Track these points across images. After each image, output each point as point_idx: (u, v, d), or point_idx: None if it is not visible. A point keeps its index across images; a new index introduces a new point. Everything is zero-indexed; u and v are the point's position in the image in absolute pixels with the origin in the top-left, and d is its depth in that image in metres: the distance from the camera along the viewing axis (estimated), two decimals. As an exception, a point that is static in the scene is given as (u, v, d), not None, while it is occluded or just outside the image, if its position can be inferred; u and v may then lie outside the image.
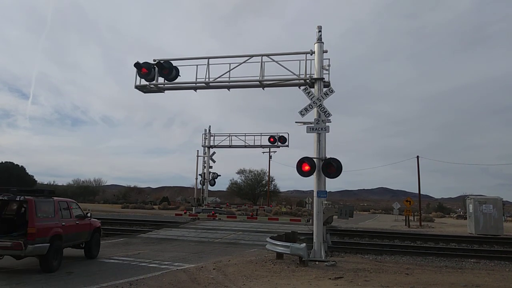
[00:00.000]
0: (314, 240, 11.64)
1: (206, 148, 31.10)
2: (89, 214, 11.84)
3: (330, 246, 13.66)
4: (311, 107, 11.96)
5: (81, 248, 11.44)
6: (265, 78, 13.38)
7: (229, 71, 13.65)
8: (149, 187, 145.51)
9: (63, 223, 9.97)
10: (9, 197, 9.40)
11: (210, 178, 31.52)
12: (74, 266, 10.04)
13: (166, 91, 15.03)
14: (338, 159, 11.65)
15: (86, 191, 75.09)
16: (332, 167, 11.59)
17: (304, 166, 11.62)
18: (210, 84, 13.95)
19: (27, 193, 9.61)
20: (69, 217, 10.53)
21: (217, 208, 33.53)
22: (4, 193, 9.44)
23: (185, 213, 29.86)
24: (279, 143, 29.94)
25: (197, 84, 14.16)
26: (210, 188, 32.61)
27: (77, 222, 10.83)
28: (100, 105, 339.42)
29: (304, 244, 10.79)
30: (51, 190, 11.00)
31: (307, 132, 11.90)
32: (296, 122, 12.21)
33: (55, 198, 10.40)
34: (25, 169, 60.37)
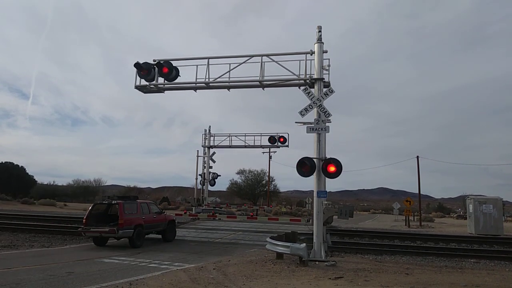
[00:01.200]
0: (314, 240, 11.64)
1: (206, 148, 31.10)
2: (164, 211, 18.01)
3: (330, 246, 13.66)
4: (311, 107, 11.96)
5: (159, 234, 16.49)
6: (265, 78, 13.38)
7: (229, 71, 13.66)
8: (149, 187, 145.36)
9: (143, 217, 15.01)
10: (108, 201, 15.01)
11: (210, 178, 31.51)
12: (75, 266, 10.05)
13: (166, 91, 15.04)
14: (338, 159, 11.66)
15: (86, 191, 74.92)
16: (332, 167, 11.59)
17: (304, 166, 11.62)
18: (210, 84, 13.96)
19: (119, 199, 14.86)
20: (148, 213, 15.61)
21: (217, 208, 33.50)
22: (107, 199, 15.13)
23: (185, 213, 29.80)
24: (279, 143, 29.95)
25: (197, 84, 14.16)
26: (210, 188, 32.62)
27: (154, 216, 15.87)
28: (100, 105, 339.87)
29: (304, 244, 10.79)
30: (135, 196, 17.00)
31: (307, 132, 11.90)
32: (296, 122, 12.22)
33: (138, 200, 15.97)
34: (25, 169, 60.33)
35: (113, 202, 14.72)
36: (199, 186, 32.02)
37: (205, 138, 31.14)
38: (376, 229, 24.06)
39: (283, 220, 23.39)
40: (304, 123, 12.06)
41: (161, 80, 14.39)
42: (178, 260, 11.37)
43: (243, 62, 13.66)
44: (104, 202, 15.23)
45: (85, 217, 14.45)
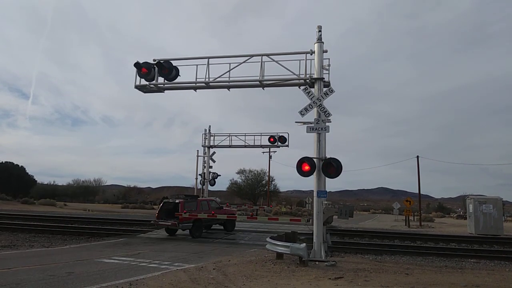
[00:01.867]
0: (314, 240, 11.64)
1: (206, 148, 31.06)
2: (224, 207, 22.72)
3: (330, 246, 13.65)
4: (311, 107, 11.95)
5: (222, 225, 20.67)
6: (265, 78, 13.37)
7: (229, 71, 13.65)
8: (149, 187, 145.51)
9: (202, 212, 18.08)
10: (173, 200, 18.46)
11: (210, 178, 31.44)
12: (75, 266, 10.05)
13: (166, 91, 15.03)
14: (338, 159, 11.65)
15: (86, 191, 74.97)
16: (332, 167, 11.58)
17: (304, 166, 11.61)
18: (210, 84, 13.95)
19: (182, 198, 18.30)
20: (208, 209, 18.97)
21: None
22: (173, 198, 18.73)
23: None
24: (279, 143, 29.89)
25: (197, 84, 14.15)
26: (210, 188, 32.51)
27: (212, 211, 18.58)
28: (100, 105, 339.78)
29: (304, 244, 10.78)
30: (196, 195, 21.93)
31: (307, 132, 11.89)
32: (296, 122, 12.21)
33: (199, 199, 20.11)
34: (25, 169, 60.37)
35: (176, 201, 18.14)
36: (199, 186, 31.97)
37: (205, 138, 31.10)
38: (376, 229, 24.06)
39: (283, 220, 23.30)
40: (304, 123, 12.05)
41: (161, 79, 14.38)
42: (178, 260, 11.36)
43: (243, 62, 13.65)
44: (170, 200, 18.81)
45: (157, 212, 18.48)
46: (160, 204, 18.99)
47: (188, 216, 17.12)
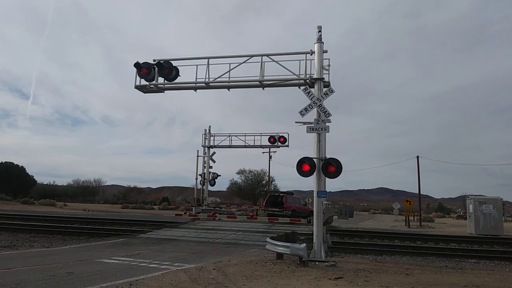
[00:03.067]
0: (314, 240, 11.64)
1: (206, 148, 31.07)
2: (308, 205, 29.80)
3: (330, 246, 13.65)
4: (311, 107, 11.96)
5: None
6: (265, 78, 13.38)
7: (229, 71, 13.66)
8: (149, 187, 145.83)
9: (296, 205, 27.78)
10: (278, 195, 29.63)
11: (210, 178, 31.46)
12: (75, 266, 10.05)
13: (166, 91, 15.04)
14: (338, 159, 11.65)
15: (86, 191, 75.02)
16: (332, 167, 11.58)
17: (304, 166, 11.61)
18: (210, 84, 13.95)
19: (284, 193, 29.09)
20: (299, 204, 28.42)
21: (217, 208, 33.46)
22: (277, 193, 32.13)
23: (185, 213, 29.77)
24: (279, 143, 29.91)
25: (197, 84, 14.16)
26: (210, 188, 32.55)
27: (302, 206, 28.47)
28: (100, 105, 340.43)
29: (304, 244, 10.77)
30: (292, 192, 30.09)
31: (307, 132, 11.89)
32: (296, 122, 12.20)
33: (293, 195, 28.91)
34: (25, 169, 60.46)
35: (280, 194, 27.77)
36: (199, 186, 31.97)
37: (205, 138, 31.11)
38: (376, 229, 24.06)
39: (283, 220, 23.54)
40: (304, 123, 12.05)
41: (161, 80, 14.39)
42: (178, 260, 11.36)
43: (243, 62, 13.66)
44: (275, 194, 28.95)
45: (264, 202, 28.09)
46: (266, 197, 28.46)
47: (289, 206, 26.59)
